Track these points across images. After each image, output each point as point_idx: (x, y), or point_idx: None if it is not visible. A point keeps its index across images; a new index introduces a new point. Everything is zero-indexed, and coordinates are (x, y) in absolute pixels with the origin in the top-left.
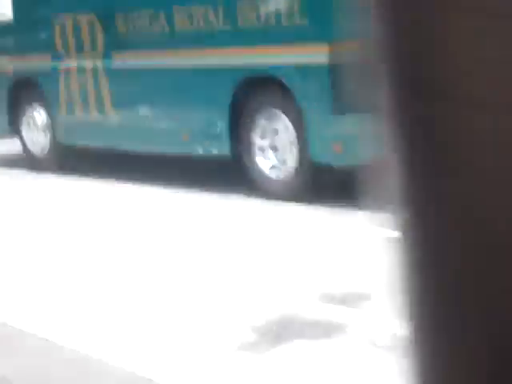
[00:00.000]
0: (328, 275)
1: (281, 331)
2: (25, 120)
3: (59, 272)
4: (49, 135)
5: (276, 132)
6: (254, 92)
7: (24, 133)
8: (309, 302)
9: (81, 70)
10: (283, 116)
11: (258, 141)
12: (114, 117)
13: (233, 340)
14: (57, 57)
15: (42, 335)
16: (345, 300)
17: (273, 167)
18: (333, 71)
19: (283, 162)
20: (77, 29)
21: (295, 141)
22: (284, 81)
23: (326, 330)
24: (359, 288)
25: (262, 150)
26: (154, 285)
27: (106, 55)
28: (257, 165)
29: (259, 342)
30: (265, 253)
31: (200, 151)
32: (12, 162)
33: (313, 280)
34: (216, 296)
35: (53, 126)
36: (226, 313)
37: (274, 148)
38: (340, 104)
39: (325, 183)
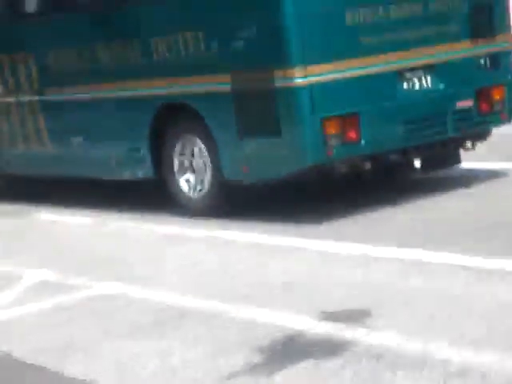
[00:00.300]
0: (316, 291)
1: (286, 351)
2: None
3: None
4: None
5: (193, 155)
6: (171, 119)
7: None
8: (309, 320)
9: (19, 105)
10: (198, 141)
11: (177, 164)
12: (50, 147)
13: (239, 362)
14: None
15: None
16: (344, 316)
17: (192, 187)
18: (236, 99)
19: (201, 183)
20: (13, 67)
21: (209, 163)
22: (195, 108)
23: (330, 347)
24: (354, 304)
25: (182, 172)
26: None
27: (40, 91)
28: (178, 186)
29: (266, 364)
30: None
31: (128, 175)
32: None
33: (304, 297)
34: (210, 319)
35: None
36: (229, 335)
37: (193, 170)
38: (244, 129)
39: (239, 199)
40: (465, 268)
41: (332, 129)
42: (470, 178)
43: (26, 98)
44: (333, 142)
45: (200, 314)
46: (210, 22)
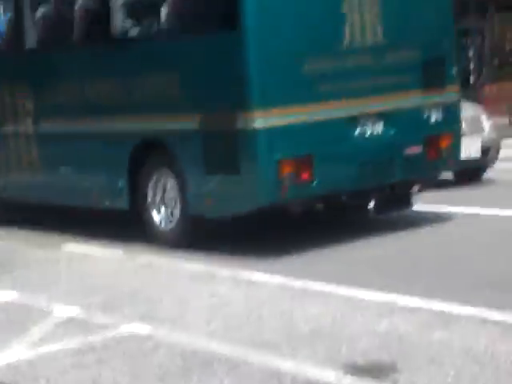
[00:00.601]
0: (341, 340)
1: None
2: None
3: None
4: None
5: (165, 189)
6: (147, 155)
7: None
8: (334, 373)
9: (15, 135)
10: (170, 176)
11: (151, 196)
12: (40, 175)
13: None
14: None
15: None
16: (369, 370)
17: (163, 219)
18: (203, 138)
19: (171, 215)
20: (11, 101)
21: (179, 197)
22: (168, 145)
23: None
24: (378, 355)
25: (155, 204)
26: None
27: (32, 123)
28: (150, 217)
29: None
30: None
31: (107, 205)
32: None
33: (329, 346)
34: (236, 368)
35: None
36: None
37: (164, 202)
38: (210, 166)
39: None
40: (487, 322)
41: (287, 170)
42: (419, 220)
43: (21, 129)
44: (287, 182)
45: (226, 361)
46: (182, 66)
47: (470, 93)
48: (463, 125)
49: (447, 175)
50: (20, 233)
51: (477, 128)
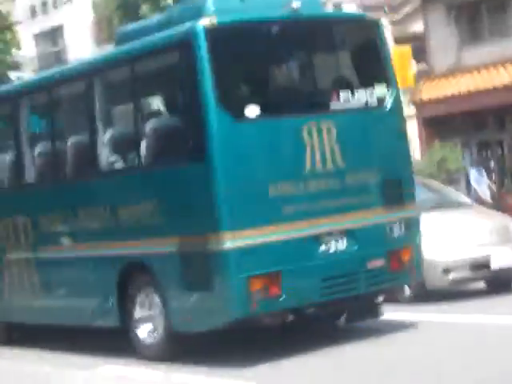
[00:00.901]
0: None
1: None
2: None
3: None
4: None
5: (150, 306)
6: (133, 275)
7: None
8: None
9: (16, 260)
10: (154, 294)
11: (137, 314)
12: (39, 298)
13: None
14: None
15: None
16: None
17: (148, 335)
18: (180, 259)
19: (155, 331)
20: (13, 230)
21: (162, 313)
22: (150, 266)
23: None
24: None
25: (141, 321)
26: None
27: (31, 250)
28: (136, 333)
29: None
30: None
31: (101, 324)
32: None
33: None
34: None
35: None
36: None
37: (150, 319)
38: (186, 285)
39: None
40: None
41: (256, 286)
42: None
43: (22, 255)
44: (256, 297)
45: None
46: (161, 195)
47: (494, 203)
48: (493, 235)
49: (479, 285)
50: (45, 355)
51: (507, 237)
